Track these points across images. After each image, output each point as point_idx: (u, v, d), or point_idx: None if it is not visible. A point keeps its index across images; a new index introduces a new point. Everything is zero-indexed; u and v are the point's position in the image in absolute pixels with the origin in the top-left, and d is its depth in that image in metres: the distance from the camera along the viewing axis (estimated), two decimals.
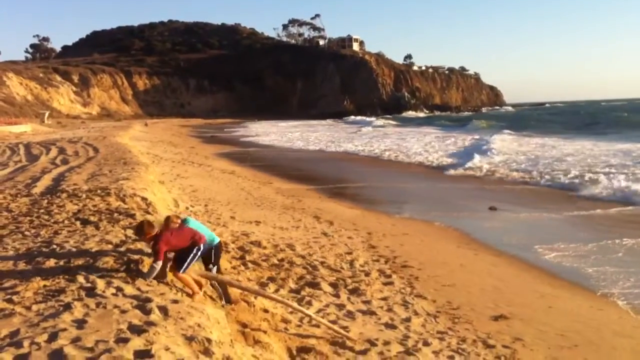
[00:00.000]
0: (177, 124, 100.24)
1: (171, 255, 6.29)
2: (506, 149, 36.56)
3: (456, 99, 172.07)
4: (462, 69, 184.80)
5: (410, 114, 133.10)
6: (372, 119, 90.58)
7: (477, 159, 29.74)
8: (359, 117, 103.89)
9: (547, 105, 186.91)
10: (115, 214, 9.52)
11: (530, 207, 17.14)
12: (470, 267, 10.80)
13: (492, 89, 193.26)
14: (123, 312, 5.09)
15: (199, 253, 6.40)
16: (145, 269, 6.26)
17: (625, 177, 21.05)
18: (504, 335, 7.34)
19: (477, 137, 46.88)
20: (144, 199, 11.20)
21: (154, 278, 6.13)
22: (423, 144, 43.84)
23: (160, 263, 6.07)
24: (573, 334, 7.49)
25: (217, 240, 6.95)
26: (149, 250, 6.82)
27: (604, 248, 12.14)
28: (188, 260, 6.27)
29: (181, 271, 6.22)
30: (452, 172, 26.66)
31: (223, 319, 5.55)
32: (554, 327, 7.70)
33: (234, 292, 7.12)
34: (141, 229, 6.37)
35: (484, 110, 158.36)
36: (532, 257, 11.75)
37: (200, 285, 6.45)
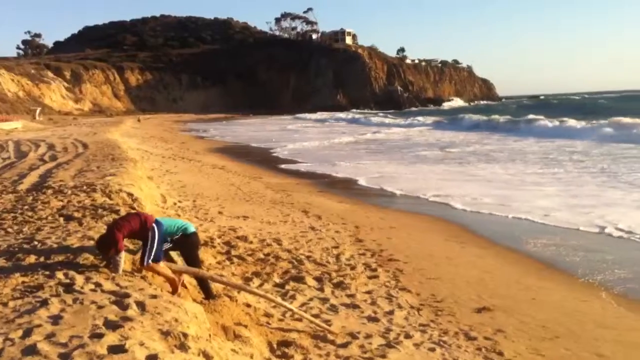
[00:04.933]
0: (169, 119, 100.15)
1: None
2: None
3: (449, 92, 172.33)
4: (455, 62, 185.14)
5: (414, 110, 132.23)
6: (376, 118, 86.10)
7: None
8: (359, 115, 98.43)
9: (541, 97, 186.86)
10: (100, 210, 9.50)
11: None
12: (456, 259, 10.83)
13: (484, 82, 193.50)
14: (100, 307, 5.08)
15: (158, 235, 6.26)
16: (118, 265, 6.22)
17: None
18: (486, 327, 7.37)
19: None
20: (130, 194, 11.16)
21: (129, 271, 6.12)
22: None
23: (122, 254, 6.07)
24: (555, 325, 7.52)
25: (191, 229, 6.83)
26: (131, 246, 6.83)
27: (590, 238, 12.22)
28: (149, 246, 6.18)
29: (148, 259, 6.15)
30: None
31: (202, 314, 5.54)
32: (536, 318, 7.73)
33: (216, 287, 7.13)
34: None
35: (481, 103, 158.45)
36: (520, 248, 11.80)
37: (179, 281, 6.45)
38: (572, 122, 45.92)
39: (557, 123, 47.14)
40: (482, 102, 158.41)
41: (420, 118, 76.68)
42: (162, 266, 6.33)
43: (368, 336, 6.73)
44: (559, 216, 14.24)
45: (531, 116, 54.09)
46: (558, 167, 23.89)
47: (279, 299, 7.33)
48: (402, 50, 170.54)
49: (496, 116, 60.06)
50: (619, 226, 12.92)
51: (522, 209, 15.28)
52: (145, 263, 6.16)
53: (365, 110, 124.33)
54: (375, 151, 36.08)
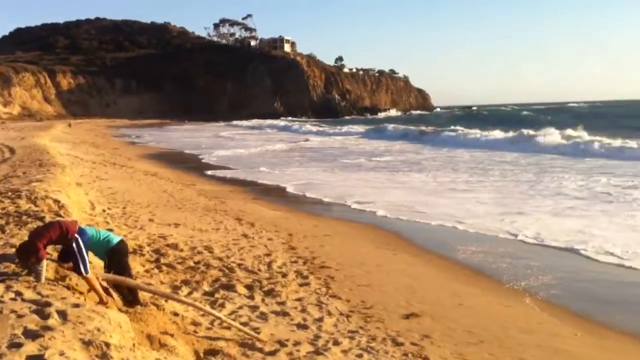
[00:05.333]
0: (102, 124, 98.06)
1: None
2: None
3: (385, 101, 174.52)
4: (392, 71, 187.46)
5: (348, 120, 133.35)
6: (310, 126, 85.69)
7: None
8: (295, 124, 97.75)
9: (474, 108, 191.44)
10: (24, 217, 9.21)
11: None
12: (387, 267, 10.97)
13: (420, 92, 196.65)
14: (20, 316, 4.93)
15: (83, 244, 6.13)
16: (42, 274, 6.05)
17: None
18: (413, 332, 7.49)
19: None
20: (56, 201, 10.86)
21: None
22: None
23: (44, 263, 5.92)
24: (480, 330, 7.71)
25: (115, 240, 6.73)
26: (55, 255, 6.65)
27: (516, 245, 12.59)
28: (79, 255, 6.05)
29: (86, 269, 6.03)
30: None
31: (126, 323, 5.44)
32: (462, 323, 7.91)
33: (143, 295, 7.02)
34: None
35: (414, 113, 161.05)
36: (449, 255, 12.07)
37: (106, 291, 6.33)
38: (496, 133, 47.45)
39: (480, 134, 48.59)
40: (416, 112, 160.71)
41: (354, 126, 77.49)
42: (91, 275, 6.19)
43: (297, 343, 6.74)
44: (485, 223, 14.60)
45: (458, 127, 55.36)
46: (483, 176, 24.61)
47: (207, 307, 7.27)
48: (340, 59, 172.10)
49: (423, 127, 60.76)
50: (541, 234, 13.35)
51: (449, 216, 15.67)
52: (85, 273, 6.03)
53: (303, 118, 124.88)
54: (308, 159, 36.36)
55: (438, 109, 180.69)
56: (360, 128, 72.74)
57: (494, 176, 24.48)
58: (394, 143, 49.34)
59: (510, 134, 45.36)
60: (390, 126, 65.90)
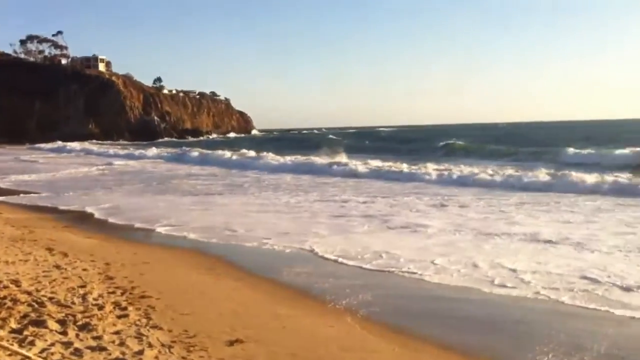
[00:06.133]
0: None
1: None
2: None
3: (207, 123, 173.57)
4: (213, 94, 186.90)
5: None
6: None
7: None
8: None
9: (292, 131, 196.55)
10: None
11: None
12: (211, 293, 10.80)
13: (242, 114, 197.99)
14: None
15: None
16: None
17: None
18: (238, 358, 7.39)
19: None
20: None
21: None
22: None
23: None
24: (303, 352, 7.79)
25: None
26: None
27: (342, 267, 12.98)
28: None
29: None
30: None
31: None
32: (285, 346, 7.94)
33: None
34: None
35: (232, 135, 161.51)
36: (273, 277, 12.18)
37: None
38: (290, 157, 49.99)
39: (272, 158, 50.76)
40: (232, 135, 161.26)
41: (164, 149, 76.27)
42: None
43: None
44: (299, 243, 14.96)
45: (263, 153, 56.03)
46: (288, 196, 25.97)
47: (15, 347, 6.67)
48: (159, 79, 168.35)
49: (226, 152, 59.98)
50: (352, 253, 13.92)
51: (264, 238, 16.00)
52: None
53: (119, 141, 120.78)
54: (114, 182, 35.57)
55: (256, 132, 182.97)
56: (167, 151, 71.61)
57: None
58: (198, 167, 49.69)
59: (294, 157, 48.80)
60: (194, 152, 65.11)
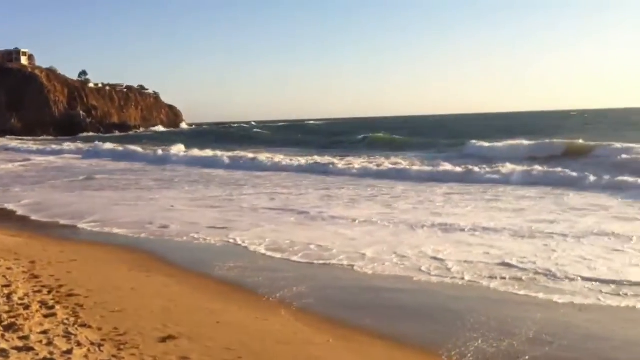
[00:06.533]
0: None
1: None
2: None
3: (135, 117, 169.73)
4: (142, 87, 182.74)
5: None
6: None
7: None
8: None
9: (226, 125, 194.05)
10: None
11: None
12: (141, 290, 10.61)
13: (171, 108, 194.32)
14: None
15: None
16: None
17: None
18: (171, 355, 7.28)
19: None
20: None
21: None
22: None
23: None
24: (238, 347, 7.73)
25: None
26: None
27: (272, 260, 12.96)
28: None
29: None
30: None
31: None
32: (220, 342, 7.87)
33: None
34: None
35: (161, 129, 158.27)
36: (205, 272, 12.08)
37: None
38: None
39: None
40: (161, 129, 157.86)
41: (80, 145, 73.69)
42: None
43: None
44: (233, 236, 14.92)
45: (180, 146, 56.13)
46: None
47: None
48: (84, 73, 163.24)
49: (139, 149, 58.29)
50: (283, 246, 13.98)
51: (193, 231, 15.96)
52: None
53: (44, 136, 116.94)
54: (34, 178, 34.76)
55: (185, 125, 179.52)
56: (90, 146, 68.92)
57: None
58: (125, 162, 48.58)
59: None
60: (106, 146, 63.57)
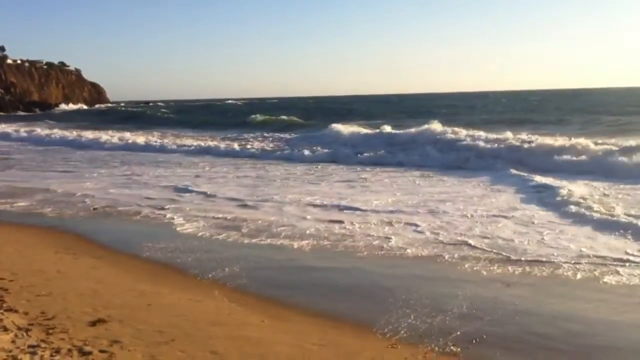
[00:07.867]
0: None
1: None
2: None
3: (57, 95, 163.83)
4: (62, 64, 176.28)
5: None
6: None
7: None
8: None
9: (151, 104, 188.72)
10: None
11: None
12: (68, 272, 10.31)
13: (94, 86, 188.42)
14: None
15: None
16: None
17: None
18: (101, 339, 7.11)
19: None
20: None
21: None
22: None
23: None
24: (171, 329, 7.62)
25: None
26: None
27: (203, 240, 12.83)
28: None
29: None
30: None
31: None
32: (152, 324, 7.74)
33: None
34: None
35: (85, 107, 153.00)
36: (136, 254, 11.88)
37: None
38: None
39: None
40: (84, 107, 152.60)
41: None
42: None
43: None
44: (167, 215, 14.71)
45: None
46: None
47: None
48: (2, 48, 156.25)
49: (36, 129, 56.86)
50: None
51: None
52: None
53: None
54: None
55: (108, 104, 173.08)
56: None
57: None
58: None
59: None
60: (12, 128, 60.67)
